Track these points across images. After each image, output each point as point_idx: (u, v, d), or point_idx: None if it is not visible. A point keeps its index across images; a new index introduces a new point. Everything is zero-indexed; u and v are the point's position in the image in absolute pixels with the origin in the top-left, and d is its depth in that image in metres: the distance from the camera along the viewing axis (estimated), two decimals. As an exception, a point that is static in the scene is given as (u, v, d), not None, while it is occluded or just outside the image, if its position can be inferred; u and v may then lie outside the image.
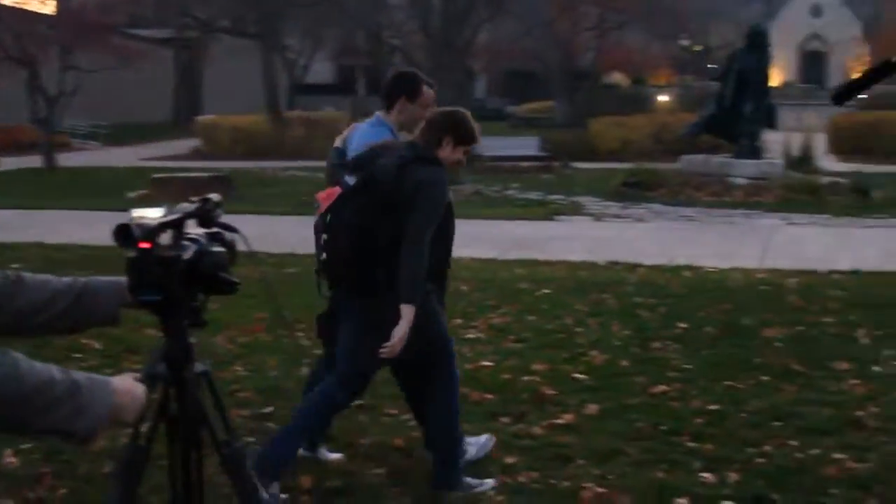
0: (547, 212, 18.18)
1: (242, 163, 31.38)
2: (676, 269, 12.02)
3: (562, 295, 10.45)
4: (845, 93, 2.83)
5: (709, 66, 55.78)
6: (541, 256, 13.20)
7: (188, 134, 40.95)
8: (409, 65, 45.82)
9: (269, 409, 6.62)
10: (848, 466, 5.64)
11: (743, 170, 20.31)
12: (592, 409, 6.68)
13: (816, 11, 78.86)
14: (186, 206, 3.05)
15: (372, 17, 38.74)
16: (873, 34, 55.86)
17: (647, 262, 12.58)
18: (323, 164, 6.32)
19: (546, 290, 10.64)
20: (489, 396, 6.90)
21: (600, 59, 42.79)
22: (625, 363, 7.78)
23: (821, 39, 78.18)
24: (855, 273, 11.75)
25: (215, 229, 3.06)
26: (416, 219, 4.85)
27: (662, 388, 7.12)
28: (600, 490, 5.30)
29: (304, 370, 7.13)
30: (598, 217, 17.72)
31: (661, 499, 5.19)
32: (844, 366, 7.65)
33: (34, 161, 31.67)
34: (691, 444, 6.01)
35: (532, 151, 27.66)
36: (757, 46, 21.32)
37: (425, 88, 5.57)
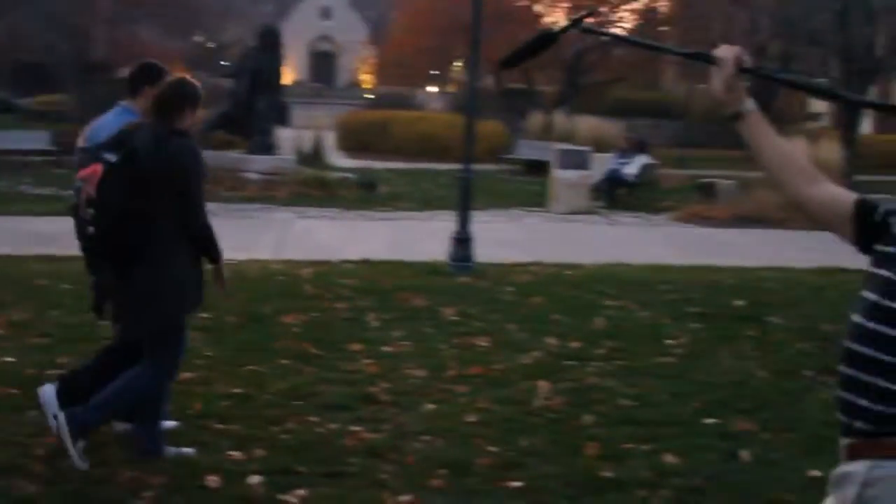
0: (59, 207, 17.73)
1: None
2: (196, 262, 12.19)
3: (84, 289, 10.36)
4: (513, 59, 3.28)
5: (221, 63, 56.26)
6: (59, 252, 12.91)
7: None
8: None
9: None
10: (363, 437, 6.15)
11: (257, 165, 20.81)
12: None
13: (326, 14, 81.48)
14: None
15: None
16: (379, 37, 58.44)
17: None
18: None
19: (66, 286, 10.49)
20: (14, 391, 6.84)
21: (114, 53, 42.04)
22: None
23: (330, 41, 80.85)
24: (364, 262, 12.47)
25: None
26: (189, 195, 5.45)
27: (188, 375, 7.34)
28: (132, 474, 5.46)
29: None
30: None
31: (193, 477, 5.43)
32: (357, 347, 8.23)
33: None
34: (219, 426, 6.30)
35: (42, 145, 26.79)
36: (269, 46, 21.89)
37: (166, 76, 5.97)
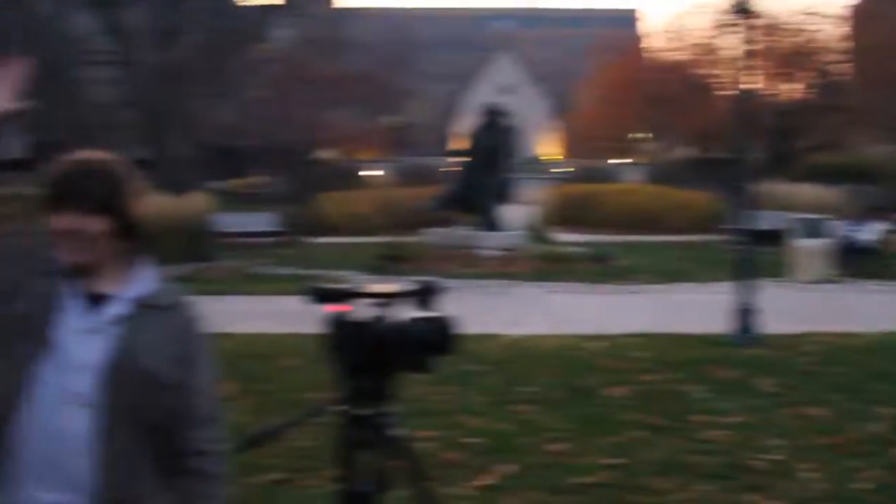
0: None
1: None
2: (481, 338, 12.42)
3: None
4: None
5: (411, 141, 57.63)
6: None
7: None
8: (114, 140, 44.98)
9: None
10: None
11: (490, 242, 21.17)
12: (507, 469, 7.08)
13: (506, 90, 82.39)
14: (406, 286, 3.35)
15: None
16: (562, 111, 59.06)
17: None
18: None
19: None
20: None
21: (312, 136, 43.36)
22: (506, 426, 8.22)
23: (510, 116, 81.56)
24: (644, 336, 12.58)
25: (428, 313, 3.34)
26: None
27: (556, 447, 7.59)
28: None
29: None
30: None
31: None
32: (700, 418, 8.38)
33: None
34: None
35: (267, 227, 27.75)
36: (492, 124, 22.43)
37: None
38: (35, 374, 2.78)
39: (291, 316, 14.05)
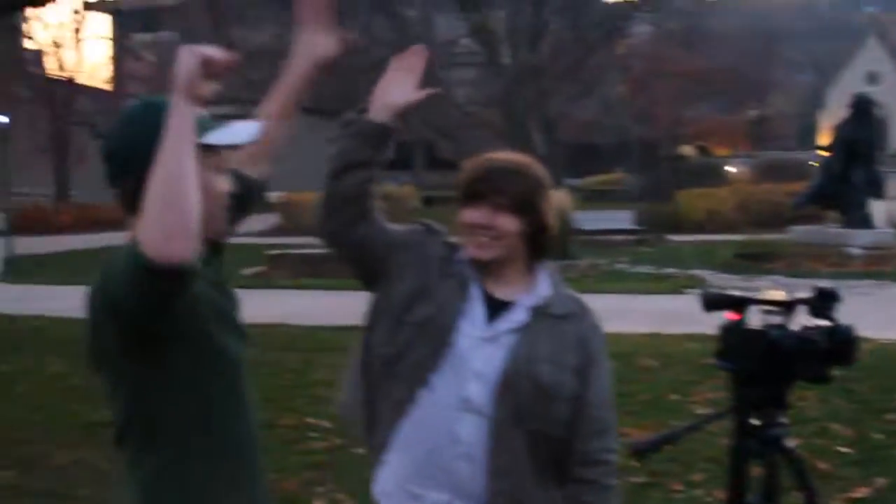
0: (672, 285, 18.14)
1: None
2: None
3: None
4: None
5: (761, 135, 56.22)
6: (705, 330, 13.08)
7: (259, 210, 40.95)
8: (477, 139, 46.24)
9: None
10: None
11: (858, 239, 20.35)
12: (881, 482, 6.81)
13: (872, 78, 78.51)
14: (800, 294, 3.30)
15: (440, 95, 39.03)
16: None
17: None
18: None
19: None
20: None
21: (671, 131, 43.12)
22: (879, 436, 7.90)
23: (880, 106, 77.67)
24: None
25: (826, 321, 3.28)
26: None
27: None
28: None
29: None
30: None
31: None
32: None
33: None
34: None
35: (625, 224, 27.86)
36: (862, 115, 21.52)
37: None
38: (429, 378, 2.84)
39: (649, 315, 14.19)
